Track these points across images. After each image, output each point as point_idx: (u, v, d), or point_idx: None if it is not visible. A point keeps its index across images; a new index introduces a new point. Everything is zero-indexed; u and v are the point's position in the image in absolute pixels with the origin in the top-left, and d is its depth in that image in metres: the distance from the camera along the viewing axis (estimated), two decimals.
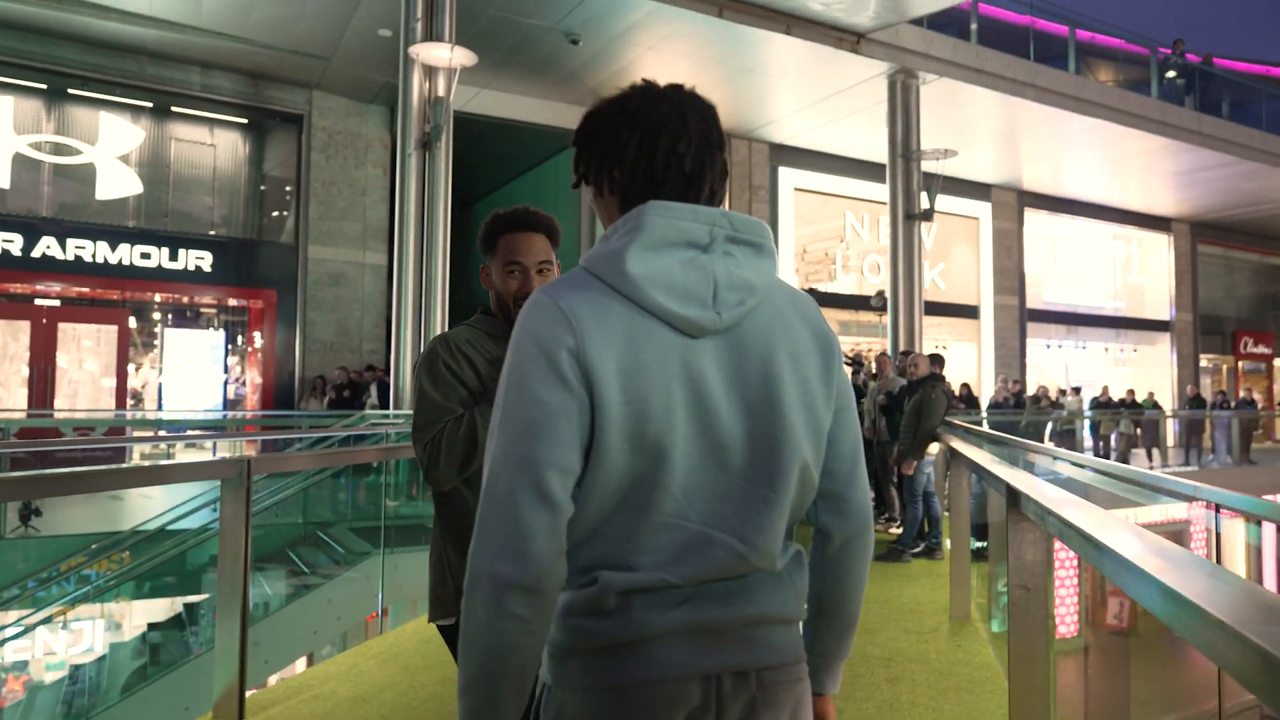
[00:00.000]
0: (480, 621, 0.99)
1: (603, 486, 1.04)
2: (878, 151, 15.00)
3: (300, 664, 7.97)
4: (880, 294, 13.81)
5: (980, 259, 19.24)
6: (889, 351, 12.10)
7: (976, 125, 15.40)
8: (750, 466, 1.09)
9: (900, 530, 7.80)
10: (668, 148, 1.13)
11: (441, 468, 1.92)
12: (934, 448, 7.10)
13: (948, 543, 7.04)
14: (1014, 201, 19.49)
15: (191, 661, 6.14)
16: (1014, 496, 2.79)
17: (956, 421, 7.70)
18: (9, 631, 6.91)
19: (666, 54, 12.27)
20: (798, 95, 14.07)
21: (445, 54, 9.07)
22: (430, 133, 9.48)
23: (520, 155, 15.95)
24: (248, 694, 3.49)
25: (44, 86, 12.24)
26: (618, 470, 1.04)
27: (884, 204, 14.79)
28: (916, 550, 7.04)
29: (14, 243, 11.74)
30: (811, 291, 16.93)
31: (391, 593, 6.72)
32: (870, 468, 9.46)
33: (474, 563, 1.00)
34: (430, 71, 9.63)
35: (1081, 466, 5.23)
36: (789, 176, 16.79)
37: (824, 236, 17.84)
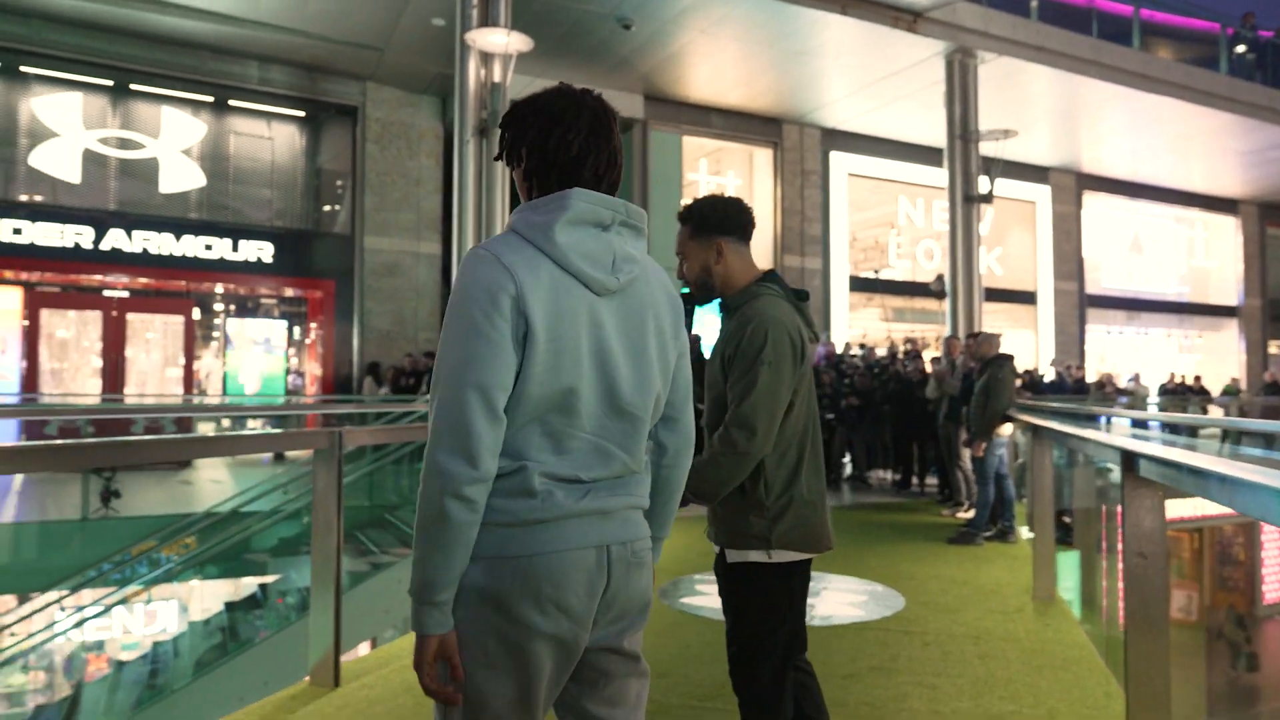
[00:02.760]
0: (438, 508, 1.28)
1: (528, 400, 1.33)
2: (932, 135, 14.74)
3: (364, 646, 8.08)
4: (939, 279, 13.56)
5: (1038, 244, 18.81)
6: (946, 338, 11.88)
7: (1034, 106, 15.04)
8: (631, 396, 1.42)
9: (969, 514, 7.65)
10: (560, 135, 1.42)
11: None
12: (1006, 429, 6.94)
13: (1024, 530, 6.89)
14: (1073, 184, 19.02)
15: (264, 641, 6.24)
16: (1130, 461, 2.69)
17: (1032, 404, 7.53)
18: (92, 610, 7.10)
19: (719, 37, 12.16)
20: (851, 78, 13.86)
21: (502, 39, 9.07)
22: (487, 119, 9.50)
23: None
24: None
25: (110, 83, 12.53)
26: (540, 389, 1.33)
27: (938, 189, 14.55)
28: (989, 534, 6.89)
29: (84, 236, 12.05)
30: (866, 279, 16.72)
31: None
32: (934, 452, 9.33)
33: (432, 460, 1.29)
34: (486, 58, 9.66)
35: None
36: (841, 161, 16.57)
37: (876, 223, 17.60)
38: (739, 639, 2.17)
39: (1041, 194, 18.66)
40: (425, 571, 1.31)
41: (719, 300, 2.28)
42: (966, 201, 12.57)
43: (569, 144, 1.43)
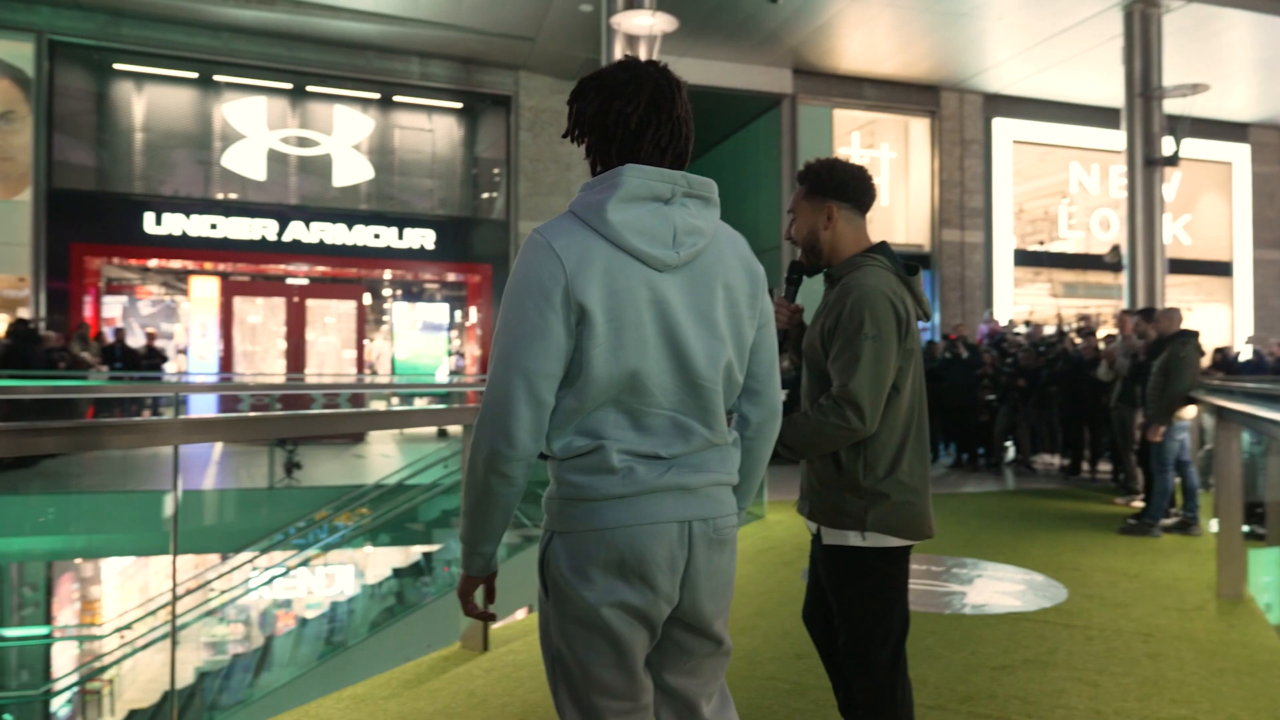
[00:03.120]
0: (480, 478, 1.37)
1: (595, 383, 1.34)
2: (1108, 94, 13.66)
3: (521, 613, 8.43)
4: (1115, 249, 12.58)
5: (1234, 209, 17.08)
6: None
7: (1230, 55, 13.61)
8: (705, 370, 1.41)
9: (1142, 504, 7.10)
10: (619, 109, 1.40)
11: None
12: (1189, 411, 6.36)
13: (1211, 523, 6.34)
14: (1277, 141, 17.12)
15: (427, 606, 6.62)
16: None
17: (1221, 384, 6.89)
18: (278, 571, 7.78)
19: (872, 4, 11.72)
20: (1016, 39, 13.02)
21: (647, 21, 9.12)
22: None
23: (719, 122, 15.85)
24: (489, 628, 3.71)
25: (289, 86, 13.54)
26: (604, 370, 1.34)
27: (1116, 152, 13.48)
28: (1169, 524, 6.36)
29: (270, 229, 13.12)
30: (1034, 252, 15.76)
31: None
32: (1108, 436, 8.71)
33: (478, 436, 1.36)
34: (632, 41, 9.73)
35: None
36: (1005, 128, 15.64)
37: (1045, 192, 16.52)
38: (848, 627, 2.09)
39: (1239, 154, 16.91)
40: (471, 529, 1.43)
41: (824, 270, 2.19)
42: (1147, 165, 11.56)
43: (627, 117, 1.41)
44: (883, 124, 15.53)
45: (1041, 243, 15.93)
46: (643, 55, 9.70)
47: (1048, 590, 4.66)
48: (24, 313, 11.95)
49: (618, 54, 9.72)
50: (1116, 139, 12.28)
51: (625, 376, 1.36)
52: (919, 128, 15.42)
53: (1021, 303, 15.81)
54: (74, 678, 8.30)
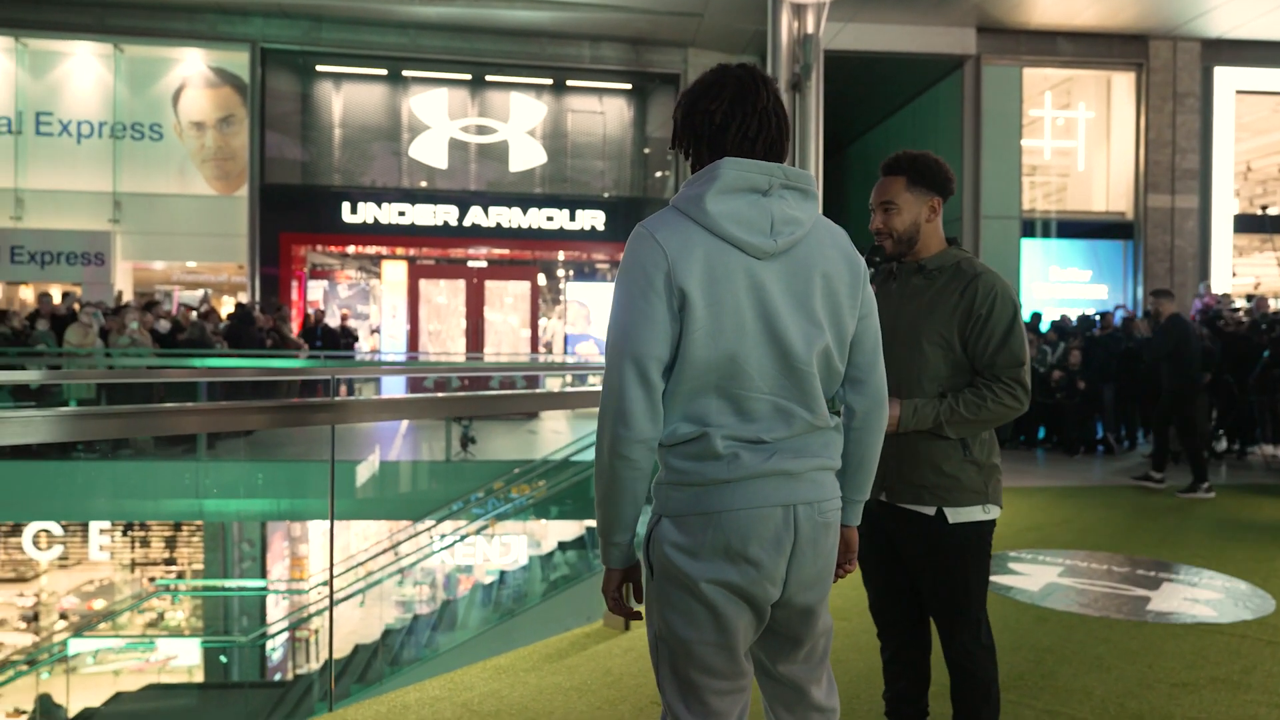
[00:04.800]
0: (606, 464, 1.43)
1: (695, 366, 1.41)
2: None
3: None
4: None
5: None
6: None
7: None
8: (801, 352, 1.45)
9: None
10: (704, 107, 1.49)
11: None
12: None
13: None
14: None
15: (586, 579, 6.82)
16: None
17: None
18: (454, 538, 8.26)
19: None
20: None
21: None
22: (800, 72, 9.32)
23: (896, 89, 15.13)
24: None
25: (468, 77, 14.19)
26: (703, 353, 1.40)
27: None
28: None
29: (451, 214, 13.87)
30: (1261, 217, 14.04)
31: None
32: None
33: (599, 424, 1.44)
34: (798, 10, 9.44)
35: None
36: (1228, 78, 13.95)
37: (1278, 148, 14.64)
38: (965, 601, 2.16)
39: None
40: (604, 519, 1.48)
41: (899, 260, 2.21)
42: None
43: (711, 114, 1.49)
44: (1080, 81, 14.27)
45: (1264, 208, 14.14)
46: (809, 24, 9.39)
47: (1251, 600, 4.16)
48: (243, 297, 13.29)
49: (784, 25, 9.47)
50: None
51: (724, 360, 1.42)
52: (1122, 83, 14.05)
53: (1244, 274, 14.14)
54: (283, 624, 9.22)
